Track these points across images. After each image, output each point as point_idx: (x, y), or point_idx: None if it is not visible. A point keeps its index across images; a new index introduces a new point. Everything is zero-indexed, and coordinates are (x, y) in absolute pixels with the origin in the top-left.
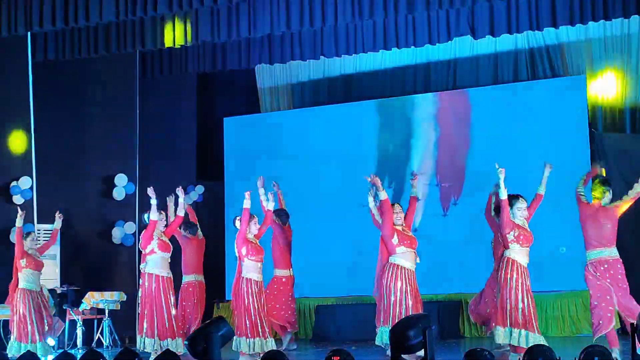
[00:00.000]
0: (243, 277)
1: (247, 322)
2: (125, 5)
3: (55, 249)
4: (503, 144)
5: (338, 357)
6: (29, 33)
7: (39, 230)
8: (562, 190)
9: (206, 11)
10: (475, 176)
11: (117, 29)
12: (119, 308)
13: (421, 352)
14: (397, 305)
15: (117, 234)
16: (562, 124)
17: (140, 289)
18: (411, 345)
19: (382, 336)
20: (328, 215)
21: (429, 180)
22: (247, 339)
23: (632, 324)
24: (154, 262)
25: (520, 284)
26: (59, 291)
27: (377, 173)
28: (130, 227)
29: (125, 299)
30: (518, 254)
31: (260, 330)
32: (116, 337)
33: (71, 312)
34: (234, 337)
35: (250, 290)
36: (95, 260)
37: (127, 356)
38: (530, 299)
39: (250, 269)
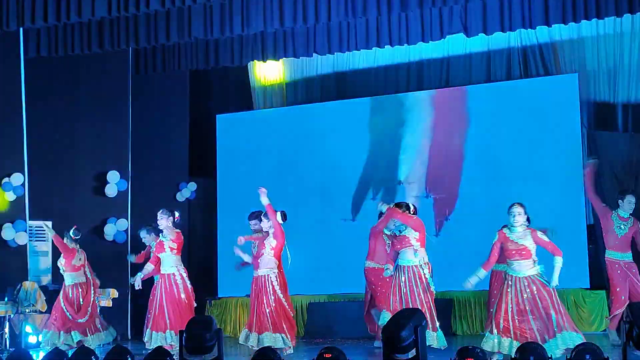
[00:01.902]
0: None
1: (262, 317)
2: (117, 1)
3: (47, 246)
4: (495, 142)
5: (330, 355)
6: (20, 29)
7: (31, 227)
8: (554, 189)
9: (199, 8)
10: (471, 182)
11: (110, 26)
12: (110, 305)
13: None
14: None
15: (109, 231)
16: (554, 122)
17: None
18: (404, 346)
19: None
20: (320, 213)
21: (420, 192)
22: (258, 334)
23: (622, 321)
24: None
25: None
26: (50, 288)
27: (364, 178)
28: (123, 224)
29: (117, 296)
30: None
31: (269, 325)
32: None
33: None
34: (244, 330)
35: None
36: (87, 257)
37: (119, 353)
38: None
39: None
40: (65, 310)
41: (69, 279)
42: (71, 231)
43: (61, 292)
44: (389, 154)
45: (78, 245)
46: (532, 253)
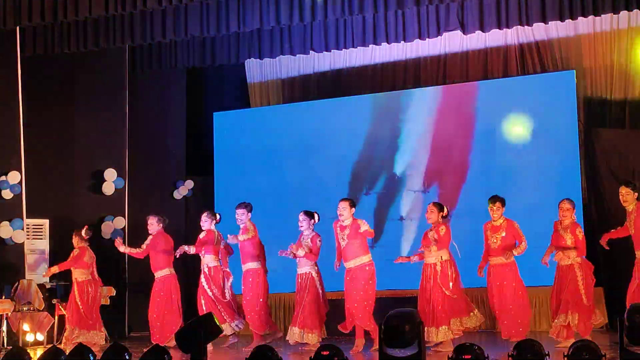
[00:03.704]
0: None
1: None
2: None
3: (44, 244)
4: (492, 139)
5: (327, 352)
6: (17, 27)
7: (27, 225)
8: (551, 186)
9: (195, 6)
10: (468, 179)
11: (107, 24)
12: (108, 303)
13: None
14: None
15: (106, 229)
16: (551, 120)
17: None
18: (405, 340)
19: None
20: (317, 210)
21: (418, 187)
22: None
23: (620, 319)
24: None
25: None
26: (48, 286)
27: (362, 176)
28: (120, 222)
29: (114, 294)
30: None
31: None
32: (105, 332)
33: (60, 306)
34: (291, 327)
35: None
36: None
37: (116, 351)
38: None
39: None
40: (79, 306)
41: (81, 275)
42: (83, 231)
43: (75, 289)
44: (386, 151)
45: (88, 244)
46: None
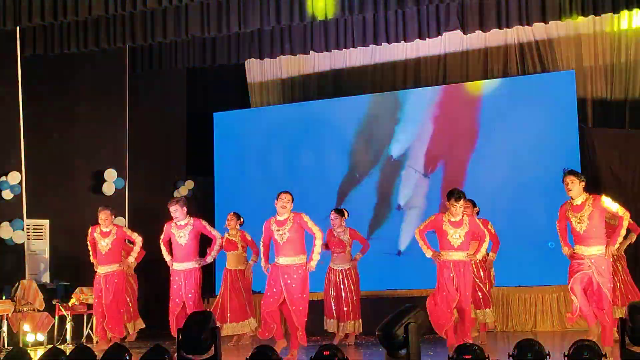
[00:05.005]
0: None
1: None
2: (114, 0)
3: (44, 244)
4: (492, 138)
5: (328, 352)
6: (17, 27)
7: (28, 225)
8: (550, 186)
9: (196, 6)
10: (468, 177)
11: (107, 24)
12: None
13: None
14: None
15: None
16: (551, 119)
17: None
18: (397, 342)
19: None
20: (318, 209)
21: (418, 175)
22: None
23: (620, 318)
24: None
25: None
26: (48, 286)
27: (354, 163)
28: (120, 222)
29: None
30: None
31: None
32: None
33: (60, 307)
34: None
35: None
36: (84, 256)
37: (116, 352)
38: None
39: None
40: None
41: None
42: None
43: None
44: (385, 149)
45: None
46: None
